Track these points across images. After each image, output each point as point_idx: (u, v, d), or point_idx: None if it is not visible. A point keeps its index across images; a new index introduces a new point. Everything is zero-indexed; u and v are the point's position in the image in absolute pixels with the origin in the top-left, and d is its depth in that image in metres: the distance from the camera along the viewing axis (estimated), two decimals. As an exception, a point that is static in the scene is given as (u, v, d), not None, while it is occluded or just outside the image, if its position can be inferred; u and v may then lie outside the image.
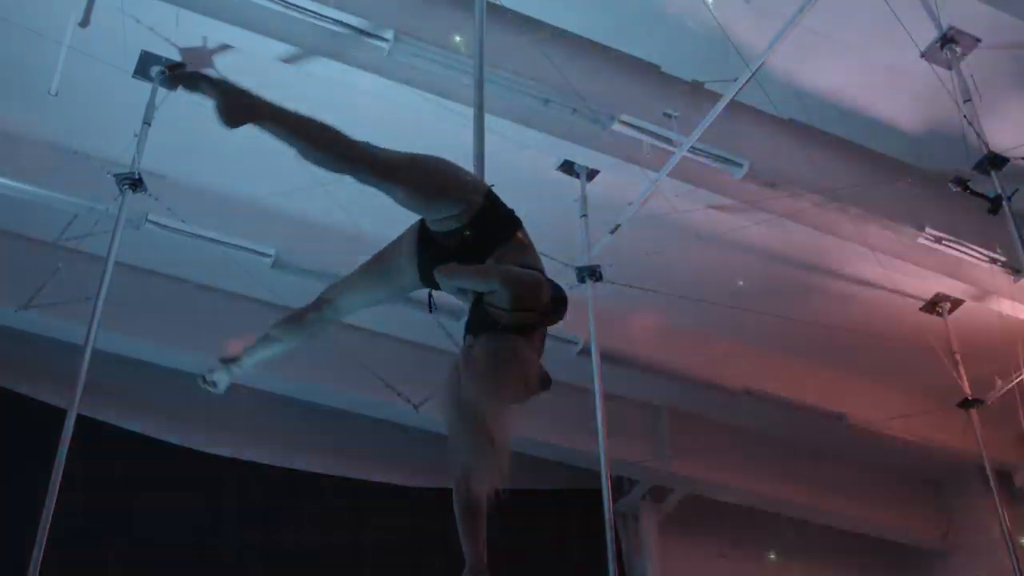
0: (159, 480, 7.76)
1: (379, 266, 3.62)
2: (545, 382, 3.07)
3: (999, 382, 8.62)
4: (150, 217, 7.14)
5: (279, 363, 8.26)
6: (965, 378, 8.39)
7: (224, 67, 6.62)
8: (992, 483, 8.08)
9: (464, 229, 3.30)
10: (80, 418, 5.76)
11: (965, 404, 8.36)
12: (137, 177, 6.39)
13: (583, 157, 7.26)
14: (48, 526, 5.32)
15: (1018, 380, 8.42)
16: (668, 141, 7.05)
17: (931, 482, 10.94)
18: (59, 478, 5.48)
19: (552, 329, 7.57)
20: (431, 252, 3.35)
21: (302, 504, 8.15)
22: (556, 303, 3.18)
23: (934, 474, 10.78)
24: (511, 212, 3.44)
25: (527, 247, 3.39)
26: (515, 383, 2.99)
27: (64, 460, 5.54)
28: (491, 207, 3.37)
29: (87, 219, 6.94)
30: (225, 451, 8.21)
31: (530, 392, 3.02)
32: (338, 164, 3.49)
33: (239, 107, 3.45)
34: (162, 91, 6.63)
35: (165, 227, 7.20)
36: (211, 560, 7.73)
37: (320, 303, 3.65)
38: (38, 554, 5.25)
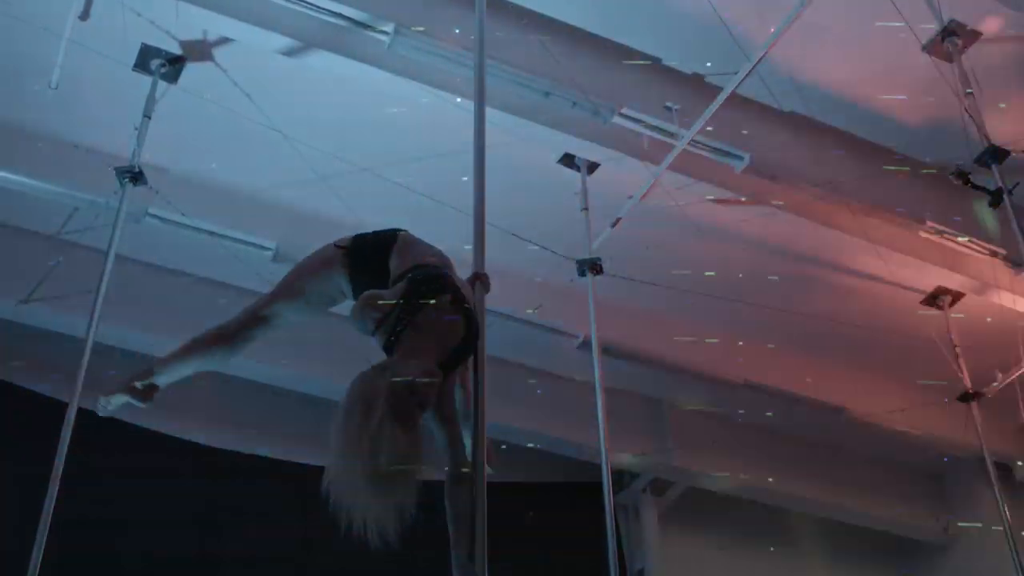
0: (160, 473, 7.77)
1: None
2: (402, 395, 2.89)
3: (1000, 375, 8.64)
4: (151, 211, 7.14)
5: (282, 356, 8.33)
6: (966, 371, 8.39)
7: (224, 60, 6.63)
8: (992, 476, 8.08)
9: (353, 287, 3.44)
10: (81, 411, 5.76)
11: (965, 397, 8.37)
12: (137, 171, 6.38)
13: (583, 150, 7.26)
14: (50, 519, 5.32)
15: (1018, 373, 8.43)
16: (669, 134, 7.04)
17: (931, 475, 10.95)
18: (60, 471, 5.47)
19: (553, 322, 7.54)
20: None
21: (304, 496, 8.14)
22: (408, 293, 3.13)
23: (935, 467, 10.78)
24: (379, 235, 3.59)
25: (404, 254, 3.43)
26: (360, 415, 2.86)
27: (65, 453, 5.53)
28: (357, 252, 3.52)
29: (88, 213, 6.95)
30: (226, 444, 8.22)
31: (378, 412, 2.84)
32: (237, 346, 3.82)
33: (142, 384, 3.82)
34: (162, 84, 6.63)
35: (166, 220, 7.20)
36: (212, 553, 7.74)
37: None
38: (39, 547, 5.25)
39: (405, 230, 3.63)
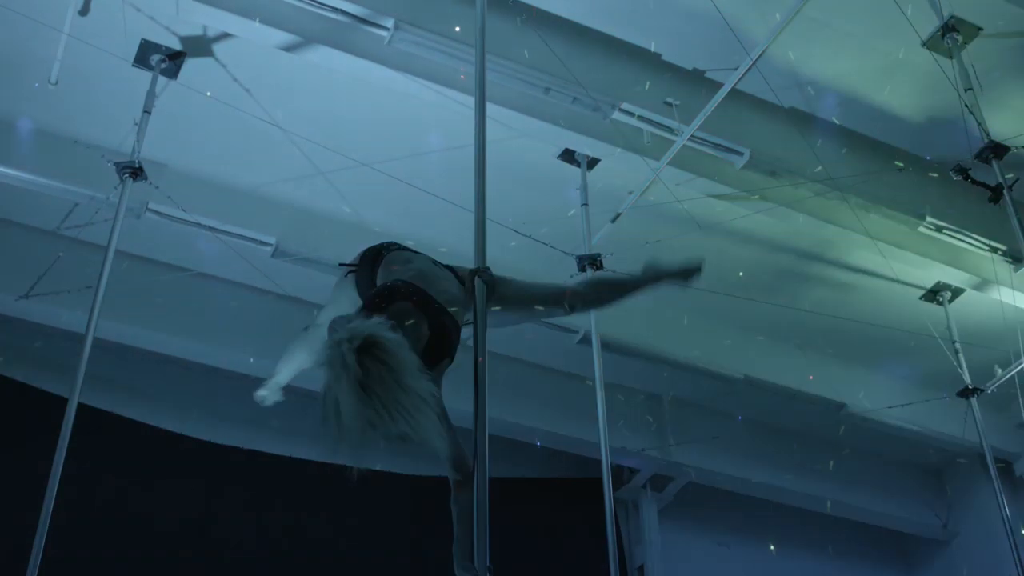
0: (159, 468, 7.77)
1: None
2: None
3: (999, 371, 8.64)
4: (151, 206, 7.13)
5: (280, 352, 8.29)
6: (965, 367, 8.40)
7: (224, 55, 6.63)
8: (992, 472, 8.08)
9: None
10: (81, 406, 5.77)
11: (965, 393, 8.38)
12: (137, 166, 6.38)
13: (584, 146, 7.26)
14: (51, 513, 5.33)
15: (1018, 369, 8.42)
16: (669, 130, 7.04)
17: (931, 471, 10.96)
18: (61, 466, 5.48)
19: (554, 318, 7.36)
20: None
21: (303, 492, 8.15)
22: (363, 309, 3.23)
23: (934, 463, 10.80)
24: (372, 250, 3.72)
25: (385, 270, 3.59)
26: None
27: (66, 448, 5.54)
28: (359, 268, 3.68)
29: (87, 208, 6.94)
30: (226, 439, 8.22)
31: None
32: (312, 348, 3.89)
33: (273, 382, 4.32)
34: (162, 80, 6.63)
35: (166, 216, 7.19)
36: (211, 548, 7.74)
37: None
38: (40, 541, 5.26)
39: (395, 245, 3.72)
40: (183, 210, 7.13)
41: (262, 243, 7.55)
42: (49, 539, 5.28)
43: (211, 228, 7.33)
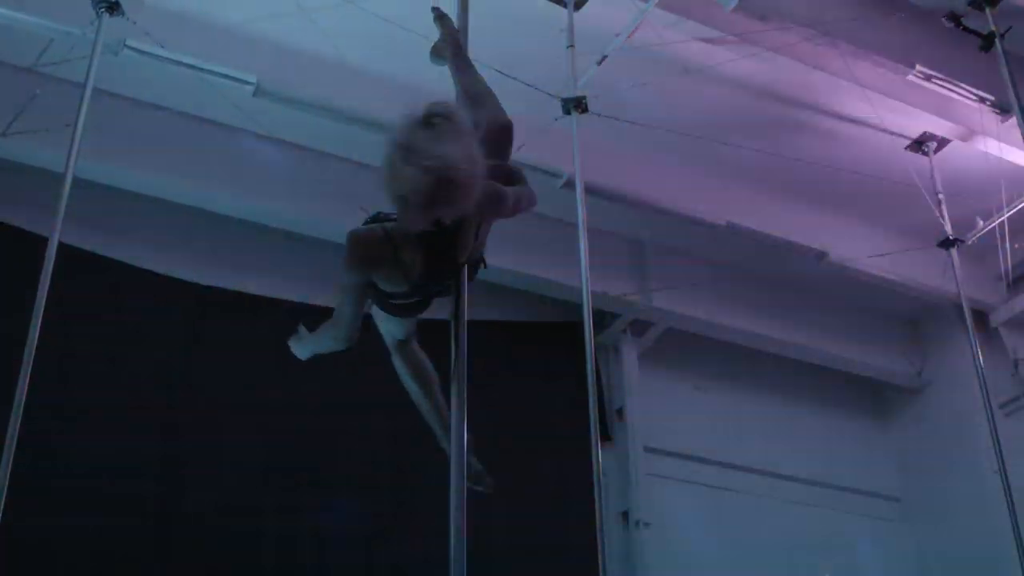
0: (139, 308, 7.77)
1: None
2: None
3: (980, 222, 8.68)
4: (128, 43, 6.98)
5: (262, 192, 8.26)
6: (947, 217, 8.42)
7: None
8: (968, 322, 8.19)
9: None
10: (61, 246, 5.75)
11: (945, 243, 8.42)
12: (113, 0, 6.23)
13: (571, -16, 7.12)
14: (34, 349, 5.35)
15: (999, 221, 8.47)
16: (659, -31, 6.91)
17: (908, 321, 11.09)
18: (43, 305, 5.48)
19: (537, 161, 7.46)
20: None
21: (288, 332, 8.17)
22: None
23: (912, 313, 10.92)
24: None
25: None
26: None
27: (48, 288, 5.53)
28: None
29: (64, 44, 6.79)
30: (208, 279, 8.22)
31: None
32: None
33: None
34: (138, -91, 6.43)
35: (144, 53, 7.05)
36: (193, 388, 7.81)
37: None
38: (24, 382, 5.28)
39: None
40: (162, 47, 7.00)
41: (243, 82, 7.43)
42: (31, 380, 5.31)
43: (191, 66, 7.20)
